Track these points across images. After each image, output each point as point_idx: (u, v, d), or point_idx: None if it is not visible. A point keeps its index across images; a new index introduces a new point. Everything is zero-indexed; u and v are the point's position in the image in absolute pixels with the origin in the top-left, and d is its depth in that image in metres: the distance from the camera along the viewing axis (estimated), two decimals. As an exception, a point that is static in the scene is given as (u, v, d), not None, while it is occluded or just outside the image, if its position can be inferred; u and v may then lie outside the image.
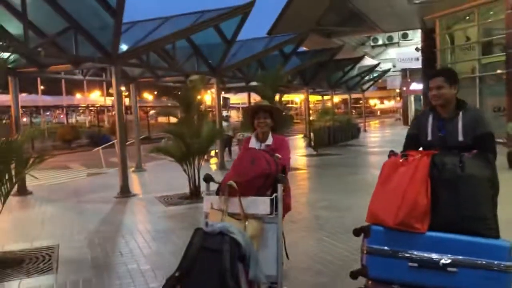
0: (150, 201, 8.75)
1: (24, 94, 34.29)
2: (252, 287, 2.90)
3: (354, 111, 45.13)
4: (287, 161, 3.75)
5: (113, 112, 48.76)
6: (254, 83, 16.39)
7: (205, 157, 11.57)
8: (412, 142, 3.20)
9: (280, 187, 3.21)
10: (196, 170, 8.78)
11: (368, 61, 31.27)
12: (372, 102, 69.99)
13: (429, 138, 3.09)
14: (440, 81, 3.07)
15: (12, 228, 7.13)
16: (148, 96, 56.47)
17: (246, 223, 3.17)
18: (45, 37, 8.50)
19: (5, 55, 6.65)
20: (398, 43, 33.56)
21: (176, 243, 5.71)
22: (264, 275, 2.95)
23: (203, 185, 3.77)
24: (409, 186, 2.58)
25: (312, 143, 17.45)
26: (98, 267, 4.93)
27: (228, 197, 3.26)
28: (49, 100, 42.42)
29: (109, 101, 49.71)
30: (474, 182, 2.56)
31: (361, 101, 39.31)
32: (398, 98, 51.37)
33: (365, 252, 2.64)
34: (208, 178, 3.53)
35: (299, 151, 18.39)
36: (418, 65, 28.26)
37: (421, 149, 3.12)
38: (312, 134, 18.21)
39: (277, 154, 3.55)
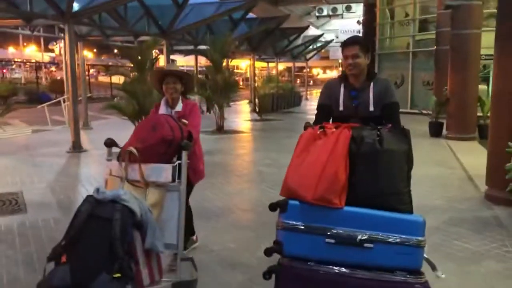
0: (101, 155, 9.21)
1: None
2: (150, 256, 2.82)
3: (298, 79, 46.31)
4: (196, 127, 3.64)
5: (51, 69, 46.99)
6: (202, 47, 16.82)
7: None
8: (325, 113, 3.14)
9: (184, 154, 3.12)
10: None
11: (312, 31, 32.12)
12: (315, 71, 71.60)
13: (341, 108, 3.05)
14: (356, 49, 3.00)
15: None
16: (87, 54, 54.50)
17: (147, 191, 3.09)
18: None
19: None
20: (341, 14, 34.62)
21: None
22: (162, 244, 2.88)
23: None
24: (329, 160, 2.45)
25: (257, 109, 18.24)
26: (65, 209, 5.48)
27: (129, 163, 3.13)
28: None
29: (46, 56, 47.74)
30: (392, 157, 2.51)
31: (304, 70, 40.40)
32: (340, 68, 53.10)
33: (280, 227, 2.49)
34: (110, 143, 3.32)
35: (244, 115, 19.18)
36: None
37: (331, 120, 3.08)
38: (257, 100, 18.96)
39: (184, 120, 3.46)
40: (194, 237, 4.27)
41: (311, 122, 3.00)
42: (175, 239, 3.08)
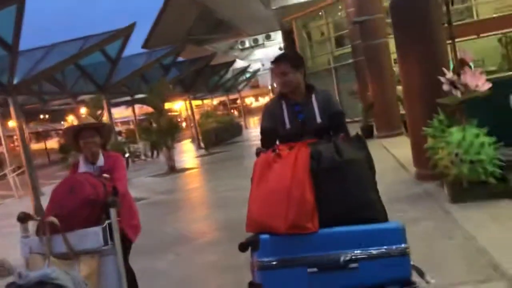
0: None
1: None
2: None
3: (233, 110, 47.52)
4: (123, 180, 3.39)
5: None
6: (139, 96, 17.45)
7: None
8: (271, 136, 2.95)
9: (113, 211, 2.87)
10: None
11: (240, 63, 33.69)
12: (248, 100, 73.55)
13: (288, 126, 2.90)
14: (284, 67, 2.90)
15: None
16: (11, 124, 52.70)
17: (78, 261, 2.78)
18: None
19: None
20: (263, 44, 36.51)
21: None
22: None
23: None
24: (293, 183, 2.30)
25: (202, 144, 18.97)
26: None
27: (51, 235, 2.81)
28: None
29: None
30: (354, 166, 2.40)
31: (238, 101, 41.80)
32: (271, 94, 55.09)
33: (256, 268, 2.29)
34: (23, 217, 2.94)
35: (191, 153, 19.83)
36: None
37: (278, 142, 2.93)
38: (200, 136, 19.70)
39: (105, 175, 3.25)
40: None
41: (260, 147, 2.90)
42: None
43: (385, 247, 2.24)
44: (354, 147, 2.52)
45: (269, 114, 3.00)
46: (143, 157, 20.65)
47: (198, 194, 9.67)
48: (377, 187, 2.52)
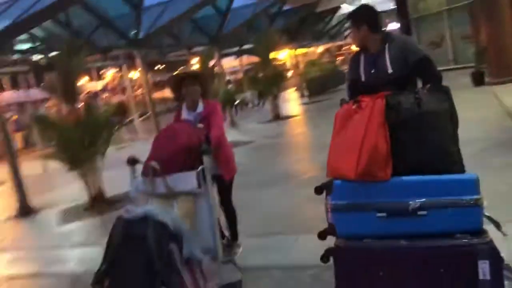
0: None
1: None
2: (191, 264, 2.85)
3: (339, 58, 46.81)
4: (219, 126, 3.67)
5: (105, 95, 50.24)
6: (247, 46, 18.27)
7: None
8: (353, 88, 3.07)
9: (206, 158, 3.15)
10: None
11: (346, 9, 32.79)
12: (354, 47, 71.40)
13: (363, 78, 2.99)
14: (352, 26, 3.03)
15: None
16: (133, 75, 57.30)
17: (175, 202, 3.09)
18: (82, 35, 10.28)
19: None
20: (371, -13, 35.04)
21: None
22: (200, 251, 2.91)
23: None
24: (367, 133, 2.39)
25: (306, 93, 19.44)
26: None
27: (153, 177, 3.14)
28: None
29: (100, 85, 51.10)
30: (433, 118, 2.42)
31: (343, 48, 41.01)
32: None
33: (329, 209, 2.46)
34: (132, 161, 3.32)
35: (295, 102, 20.47)
36: (393, 6, 29.83)
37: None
38: (304, 85, 20.15)
39: (200, 125, 3.52)
40: (238, 242, 4.21)
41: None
42: (212, 242, 3.13)
43: (456, 197, 2.26)
44: (437, 98, 2.50)
45: (351, 66, 3.13)
46: (250, 105, 21.73)
47: (300, 139, 10.34)
48: (457, 139, 2.51)
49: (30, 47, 9.85)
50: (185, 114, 3.80)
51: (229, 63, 34.72)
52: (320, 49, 38.58)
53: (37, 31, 10.05)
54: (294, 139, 10.41)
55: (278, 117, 14.88)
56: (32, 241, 6.42)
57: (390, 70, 2.86)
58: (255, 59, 17.09)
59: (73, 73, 7.39)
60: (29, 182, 8.24)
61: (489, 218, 2.37)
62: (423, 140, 2.40)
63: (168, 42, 13.84)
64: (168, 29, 12.47)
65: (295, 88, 26.35)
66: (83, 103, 7.65)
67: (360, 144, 2.37)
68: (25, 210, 7.80)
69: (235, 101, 18.50)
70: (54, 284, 4.31)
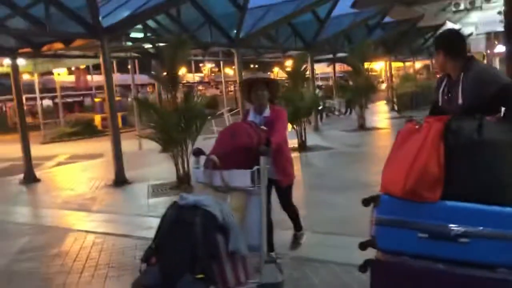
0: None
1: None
2: (235, 258, 2.91)
3: (438, 76, 44.95)
4: (281, 132, 3.78)
5: (200, 87, 52.84)
6: (341, 55, 18.42)
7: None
8: (435, 109, 3.06)
9: (262, 159, 3.23)
10: (303, 130, 11.25)
11: (449, 26, 31.51)
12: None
13: (440, 103, 3.00)
14: (436, 52, 3.00)
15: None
16: (229, 71, 59.31)
17: (229, 196, 3.24)
18: (188, 30, 11.16)
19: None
20: (480, 6, 33.16)
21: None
22: (245, 246, 2.97)
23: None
24: (419, 153, 2.41)
25: (396, 107, 19.16)
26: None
27: (212, 170, 3.31)
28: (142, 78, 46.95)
29: (197, 77, 53.77)
30: (492, 147, 2.37)
31: (444, 66, 39.34)
32: (484, 60, 49.94)
33: (373, 222, 2.53)
34: (197, 152, 3.55)
35: (383, 115, 20.26)
36: (502, 28, 28.20)
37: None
38: (395, 99, 19.86)
39: (263, 127, 3.64)
40: (302, 232, 4.48)
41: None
42: (258, 241, 3.20)
43: (503, 230, 2.21)
44: (503, 127, 2.45)
45: (435, 88, 3.12)
46: (336, 113, 21.82)
47: (381, 151, 10.36)
48: None
49: (142, 37, 10.87)
50: (251, 116, 3.98)
51: (321, 68, 34.93)
52: (418, 65, 37.44)
53: (149, 22, 11.07)
54: (375, 150, 10.50)
55: (363, 127, 14.92)
56: (123, 208, 7.26)
57: (460, 101, 2.81)
58: (347, 67, 17.23)
59: (177, 64, 8.16)
60: (125, 157, 9.21)
61: None
62: (479, 168, 2.37)
63: (265, 43, 14.45)
64: (267, 31, 13.05)
65: (386, 101, 25.95)
66: (182, 92, 8.40)
67: (410, 163, 2.41)
68: (120, 181, 8.75)
69: (322, 106, 18.77)
70: (139, 245, 4.96)
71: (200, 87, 54.88)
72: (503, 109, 2.71)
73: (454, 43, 2.93)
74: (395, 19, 21.51)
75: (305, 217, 4.74)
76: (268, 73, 37.62)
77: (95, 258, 4.90)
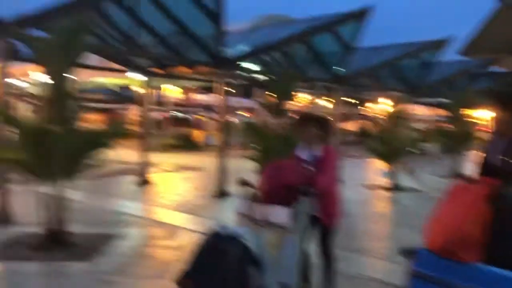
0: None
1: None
2: None
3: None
4: (326, 174, 3.64)
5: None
6: (441, 99, 18.40)
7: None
8: (483, 167, 3.00)
9: (303, 199, 3.25)
10: (395, 170, 11.64)
11: None
12: None
13: (490, 160, 2.93)
14: (501, 110, 2.91)
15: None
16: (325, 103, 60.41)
17: (266, 231, 3.25)
18: (297, 66, 12.19)
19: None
20: None
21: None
22: (277, 283, 3.00)
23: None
24: (461, 213, 2.40)
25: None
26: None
27: (254, 203, 3.37)
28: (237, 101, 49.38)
29: (295, 107, 55.51)
30: None
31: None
32: None
33: (409, 274, 2.51)
34: (242, 182, 3.55)
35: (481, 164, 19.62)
36: None
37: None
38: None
39: (310, 167, 3.63)
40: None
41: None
42: (290, 279, 3.22)
43: None
44: None
45: (487, 146, 3.09)
46: (431, 157, 21.47)
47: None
48: None
49: (258, 70, 12.04)
50: (300, 153, 3.89)
51: (420, 110, 34.39)
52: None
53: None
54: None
55: (456, 174, 14.75)
56: (225, 216, 8.23)
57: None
58: (445, 111, 17.12)
59: (285, 95, 9.11)
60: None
61: None
62: None
63: (366, 82, 15.10)
64: (371, 72, 13.75)
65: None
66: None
67: (448, 221, 2.42)
68: (221, 193, 9.83)
69: (406, 147, 18.71)
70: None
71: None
72: None
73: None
74: (503, 68, 20.90)
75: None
76: (361, 107, 37.56)
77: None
